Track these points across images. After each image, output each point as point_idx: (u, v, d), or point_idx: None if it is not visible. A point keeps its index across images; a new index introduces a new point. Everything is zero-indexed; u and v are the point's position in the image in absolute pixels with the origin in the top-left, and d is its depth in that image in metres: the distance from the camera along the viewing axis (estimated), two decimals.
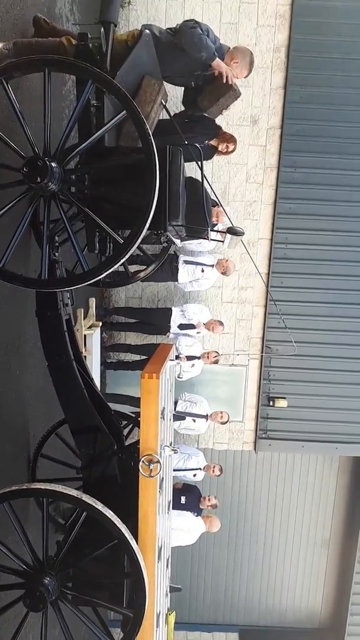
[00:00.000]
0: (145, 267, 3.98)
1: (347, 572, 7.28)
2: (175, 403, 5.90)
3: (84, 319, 5.14)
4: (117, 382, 6.40)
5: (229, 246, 2.88)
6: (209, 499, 5.91)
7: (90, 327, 5.29)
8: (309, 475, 7.25)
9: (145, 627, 2.48)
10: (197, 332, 5.99)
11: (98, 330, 5.46)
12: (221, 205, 3.68)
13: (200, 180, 2.79)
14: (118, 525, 2.36)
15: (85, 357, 4.13)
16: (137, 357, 6.16)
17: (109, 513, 2.38)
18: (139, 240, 2.17)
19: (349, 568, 7.25)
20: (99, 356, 5.55)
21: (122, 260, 2.19)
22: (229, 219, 2.80)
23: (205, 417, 5.98)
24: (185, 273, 5.81)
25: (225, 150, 5.20)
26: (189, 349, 5.83)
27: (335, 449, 6.74)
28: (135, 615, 2.41)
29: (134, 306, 6.36)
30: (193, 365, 5.85)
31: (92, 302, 5.40)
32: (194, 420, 5.97)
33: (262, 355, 6.40)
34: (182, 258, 5.77)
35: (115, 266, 2.20)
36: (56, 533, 3.62)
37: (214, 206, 4.51)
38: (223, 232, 2.60)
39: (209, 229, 2.69)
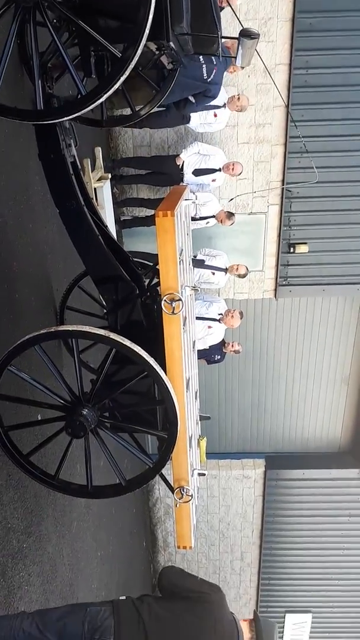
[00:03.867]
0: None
1: None
2: (194, 257, 5.83)
3: (92, 171, 4.90)
4: (134, 240, 6.31)
5: (242, 61, 2.55)
6: (232, 345, 6.14)
7: (99, 180, 5.07)
8: (329, 318, 7.40)
9: (179, 446, 2.70)
10: (213, 180, 5.69)
11: (108, 182, 5.23)
12: (236, 16, 3.17)
13: None
14: (146, 357, 2.45)
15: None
16: (151, 212, 5.98)
17: (136, 347, 2.45)
18: (139, 50, 1.90)
19: None
20: (112, 209, 5.39)
21: (122, 77, 1.95)
22: (241, 25, 2.41)
23: (225, 270, 5.94)
24: (196, 117, 5.35)
25: None
26: (204, 209, 5.58)
27: (357, 290, 6.77)
28: (169, 436, 2.61)
29: (143, 155, 6.00)
30: (208, 222, 5.64)
31: (98, 151, 5.10)
32: (213, 273, 5.94)
33: (282, 199, 6.13)
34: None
35: (116, 85, 1.97)
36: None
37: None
38: (235, 38, 2.26)
39: (219, 35, 2.34)
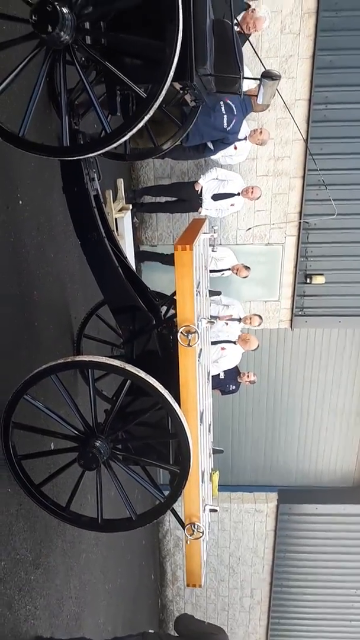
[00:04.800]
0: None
1: None
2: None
3: (113, 202, 4.99)
4: (151, 273, 6.36)
5: (263, 100, 2.60)
6: (247, 375, 6.09)
7: (120, 210, 5.15)
8: (345, 350, 7.32)
9: (191, 481, 2.66)
10: (231, 205, 5.74)
11: (129, 213, 5.32)
12: (255, 51, 3.26)
13: (230, 22, 2.45)
14: (160, 389, 2.44)
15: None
16: (170, 248, 5.99)
17: (151, 379, 2.45)
18: (164, 90, 1.95)
19: None
20: (132, 240, 5.46)
21: (147, 116, 2.00)
22: (262, 65, 2.48)
23: (239, 320, 5.91)
24: (217, 155, 5.47)
25: None
26: (220, 262, 5.69)
27: None
28: (181, 471, 2.58)
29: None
30: (223, 274, 5.67)
31: (120, 183, 5.20)
32: (227, 324, 5.89)
33: (299, 231, 6.16)
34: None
35: (140, 123, 2.01)
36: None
37: None
38: (257, 79, 2.31)
39: (241, 76, 2.39)
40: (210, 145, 5.05)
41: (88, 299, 3.99)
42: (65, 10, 2.01)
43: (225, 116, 4.75)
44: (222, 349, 5.76)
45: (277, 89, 2.65)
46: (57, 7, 1.97)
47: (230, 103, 4.73)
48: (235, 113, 4.75)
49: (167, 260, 5.86)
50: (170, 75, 1.97)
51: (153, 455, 2.86)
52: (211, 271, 5.54)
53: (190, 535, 2.76)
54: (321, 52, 5.45)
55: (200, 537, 2.77)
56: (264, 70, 2.21)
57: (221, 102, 4.69)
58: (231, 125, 4.80)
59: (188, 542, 2.79)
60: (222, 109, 4.72)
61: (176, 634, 3.23)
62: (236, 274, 5.84)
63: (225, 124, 4.78)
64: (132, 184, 6.16)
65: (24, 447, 2.77)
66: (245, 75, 2.50)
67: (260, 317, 5.89)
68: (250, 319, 5.84)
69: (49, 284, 3.34)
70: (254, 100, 4.95)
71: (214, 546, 7.90)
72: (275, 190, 6.12)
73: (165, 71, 1.96)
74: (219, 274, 5.86)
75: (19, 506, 2.80)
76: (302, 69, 5.55)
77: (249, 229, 5.76)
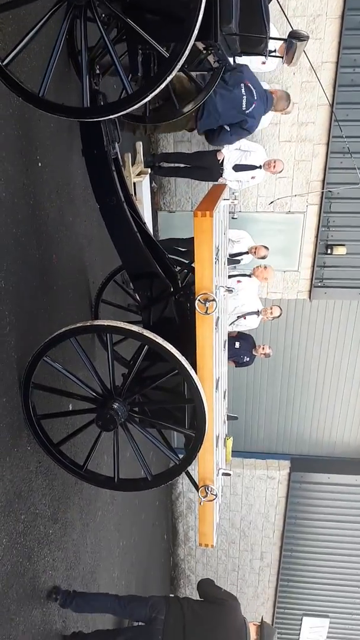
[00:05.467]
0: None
1: None
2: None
3: (132, 165, 4.93)
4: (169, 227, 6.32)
5: (289, 62, 2.52)
6: (262, 348, 6.05)
7: (139, 174, 5.10)
8: None
9: (206, 446, 2.71)
10: (252, 177, 5.64)
11: (147, 177, 5.26)
12: (284, 13, 3.12)
13: None
14: (177, 356, 2.46)
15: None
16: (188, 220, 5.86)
17: (168, 345, 2.47)
18: (187, 49, 1.90)
19: None
20: (149, 204, 5.42)
21: (169, 77, 1.95)
22: (289, 24, 2.38)
23: (257, 312, 5.82)
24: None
25: None
26: (237, 245, 5.56)
27: None
28: (197, 435, 2.63)
29: (183, 151, 5.99)
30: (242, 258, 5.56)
31: (139, 146, 5.12)
32: (244, 317, 5.77)
33: (321, 199, 6.03)
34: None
35: (162, 84, 1.97)
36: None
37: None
38: (283, 39, 2.23)
39: (267, 36, 2.31)
40: (227, 127, 4.85)
41: (106, 263, 4.00)
42: None
43: (244, 97, 4.55)
44: (238, 281, 5.67)
45: (303, 50, 2.57)
46: None
47: (251, 86, 4.55)
48: (256, 98, 4.56)
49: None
50: (194, 34, 1.91)
51: (169, 419, 2.91)
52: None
53: (203, 497, 2.83)
54: (351, 11, 5.20)
55: (214, 499, 2.84)
56: (290, 30, 2.13)
57: (242, 84, 4.52)
58: (251, 108, 4.60)
59: (201, 503, 2.86)
60: (242, 90, 4.53)
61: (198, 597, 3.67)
62: (254, 254, 5.69)
63: (244, 105, 4.58)
64: (151, 148, 6.06)
65: (43, 407, 2.85)
66: (271, 35, 2.41)
67: (280, 307, 5.89)
68: (271, 309, 5.81)
69: (67, 248, 3.35)
70: (275, 95, 4.81)
71: (225, 509, 8.09)
72: (297, 157, 5.97)
73: (189, 29, 1.90)
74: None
75: (38, 464, 2.90)
76: (330, 29, 5.32)
77: (271, 202, 5.62)
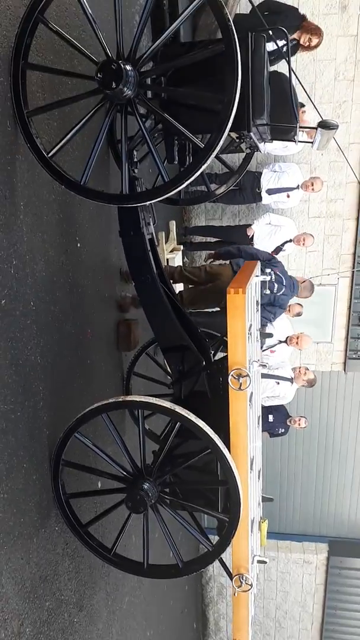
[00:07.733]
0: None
1: None
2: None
3: (165, 242, 5.11)
4: None
5: (318, 147, 2.62)
6: (298, 421, 5.76)
7: (172, 251, 5.26)
8: None
9: (240, 531, 2.58)
10: (283, 251, 5.71)
11: (180, 254, 5.42)
12: (311, 101, 3.30)
13: (288, 73, 2.51)
14: (210, 434, 2.41)
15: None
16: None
17: (201, 423, 2.42)
18: (222, 141, 2.01)
19: None
20: None
21: (204, 166, 2.06)
22: (319, 114, 2.51)
23: (290, 380, 5.65)
24: (268, 199, 5.52)
25: (307, 43, 4.64)
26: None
27: None
28: (231, 520, 2.50)
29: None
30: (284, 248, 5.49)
31: (173, 225, 5.33)
32: (278, 383, 5.51)
33: (353, 272, 6.04)
34: (264, 187, 5.40)
35: (197, 173, 2.08)
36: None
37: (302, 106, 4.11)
38: (313, 128, 2.35)
39: (297, 126, 2.43)
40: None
41: (139, 337, 4.04)
42: (128, 67, 2.13)
43: (275, 285, 4.33)
44: (272, 351, 5.37)
45: (334, 138, 2.68)
46: (122, 65, 2.09)
47: (280, 274, 4.36)
48: (285, 285, 4.38)
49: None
50: (228, 126, 2.03)
51: (201, 500, 2.80)
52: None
53: (238, 587, 2.65)
54: None
55: (249, 589, 2.65)
56: (320, 120, 2.24)
57: (271, 271, 4.22)
58: (280, 292, 4.37)
59: (235, 594, 2.68)
60: (272, 277, 4.27)
61: None
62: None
63: (275, 289, 4.34)
64: (183, 225, 6.29)
65: (72, 485, 2.79)
66: (301, 125, 2.54)
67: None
68: (306, 371, 5.52)
69: (102, 323, 3.41)
70: (300, 282, 4.65)
71: (259, 597, 7.53)
72: (327, 231, 6.08)
73: (224, 121, 2.02)
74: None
75: (65, 545, 2.80)
76: (356, 113, 5.58)
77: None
